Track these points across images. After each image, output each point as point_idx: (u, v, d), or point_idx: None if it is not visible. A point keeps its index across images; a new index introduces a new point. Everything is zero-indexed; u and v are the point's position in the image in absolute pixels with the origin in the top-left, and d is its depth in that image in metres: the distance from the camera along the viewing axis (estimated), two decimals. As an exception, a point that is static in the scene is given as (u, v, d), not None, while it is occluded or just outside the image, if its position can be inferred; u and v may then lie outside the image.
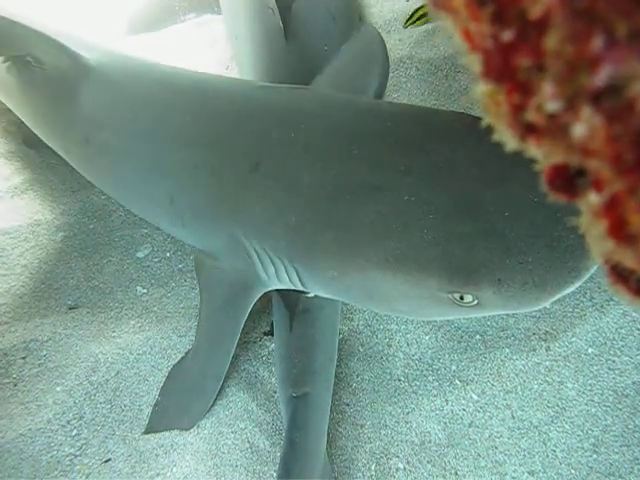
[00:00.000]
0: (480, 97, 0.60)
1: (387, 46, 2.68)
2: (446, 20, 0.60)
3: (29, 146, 2.85)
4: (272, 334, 2.27)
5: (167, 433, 2.11)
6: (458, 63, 2.80)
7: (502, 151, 1.67)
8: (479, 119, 1.70)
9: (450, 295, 1.53)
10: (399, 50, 2.94)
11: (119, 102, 2.19)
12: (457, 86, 2.78)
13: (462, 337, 2.23)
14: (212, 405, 2.16)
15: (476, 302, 1.52)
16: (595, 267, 1.45)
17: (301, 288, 1.90)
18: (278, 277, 1.89)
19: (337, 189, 1.66)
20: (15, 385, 2.18)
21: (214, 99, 2.01)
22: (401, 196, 1.57)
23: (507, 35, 0.52)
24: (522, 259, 1.45)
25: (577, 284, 1.46)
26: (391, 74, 2.86)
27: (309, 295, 2.02)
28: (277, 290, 2.11)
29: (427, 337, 2.25)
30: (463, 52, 0.64)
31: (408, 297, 1.63)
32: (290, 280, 1.87)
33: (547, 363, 2.12)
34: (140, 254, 2.57)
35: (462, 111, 2.66)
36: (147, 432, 2.11)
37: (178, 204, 2.03)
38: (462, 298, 1.52)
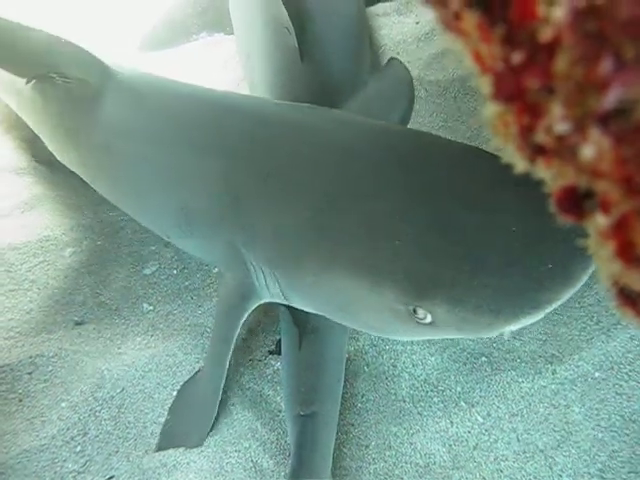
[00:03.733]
0: (489, 118, 0.61)
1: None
2: (456, 42, 0.61)
3: (40, 162, 2.87)
4: (278, 353, 2.27)
5: (171, 451, 2.10)
6: (467, 85, 2.82)
7: (491, 179, 1.69)
8: (483, 152, 1.74)
9: (406, 308, 1.53)
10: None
11: (141, 113, 2.23)
12: (465, 108, 2.79)
13: (468, 359, 2.22)
14: (216, 423, 2.15)
15: (430, 319, 1.52)
16: (557, 304, 1.45)
17: (284, 301, 1.94)
18: (267, 286, 1.93)
19: (316, 200, 1.71)
20: (20, 400, 2.18)
21: (230, 114, 2.05)
22: (377, 209, 1.61)
23: (517, 57, 0.53)
24: (482, 282, 1.45)
25: (536, 316, 1.45)
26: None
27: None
28: (285, 308, 2.11)
29: (433, 358, 2.24)
30: (473, 74, 0.64)
31: (370, 309, 1.66)
32: (274, 290, 1.91)
33: (553, 386, 2.11)
34: (147, 271, 2.57)
35: (470, 131, 2.69)
36: (157, 450, 2.11)
37: (188, 213, 2.06)
38: (416, 312, 1.52)
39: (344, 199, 1.67)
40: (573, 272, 1.45)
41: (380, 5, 3.22)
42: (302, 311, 2.02)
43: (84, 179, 2.55)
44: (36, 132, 2.69)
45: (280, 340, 2.24)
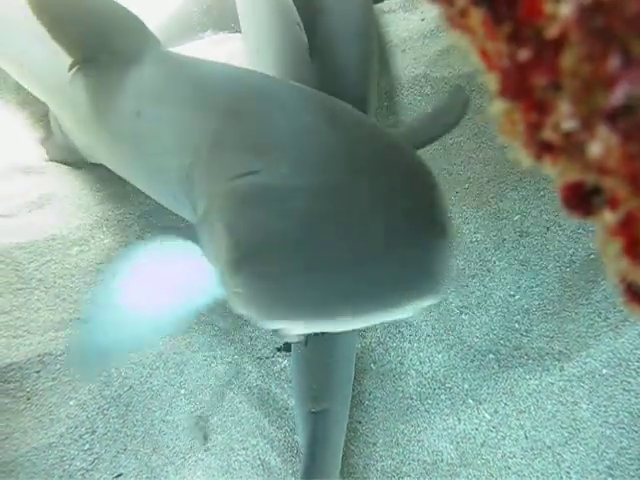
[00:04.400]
0: (496, 116, 0.61)
1: (402, 65, 2.70)
2: (462, 39, 0.61)
3: (50, 161, 2.87)
4: (286, 350, 2.27)
5: (178, 449, 2.11)
6: (473, 82, 2.81)
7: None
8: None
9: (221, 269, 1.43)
10: (414, 69, 2.94)
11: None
12: (472, 105, 2.78)
13: (475, 356, 2.22)
14: (224, 421, 2.15)
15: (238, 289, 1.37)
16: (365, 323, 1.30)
17: None
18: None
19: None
20: (29, 399, 2.19)
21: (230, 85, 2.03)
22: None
23: (524, 54, 0.53)
24: (284, 270, 1.30)
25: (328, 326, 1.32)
26: (406, 92, 2.87)
27: None
28: None
29: (440, 355, 2.24)
30: (479, 71, 0.64)
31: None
32: None
33: (561, 383, 2.11)
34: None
35: (477, 128, 2.68)
36: None
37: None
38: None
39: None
40: (390, 295, 1.27)
41: (386, 2, 3.21)
42: None
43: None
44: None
45: None
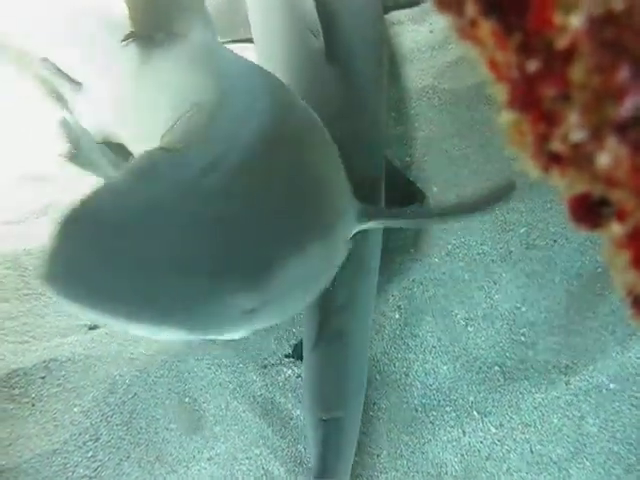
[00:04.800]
0: (505, 126, 0.61)
1: (410, 76, 2.70)
2: (472, 50, 0.61)
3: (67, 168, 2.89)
4: (297, 357, 2.26)
5: (182, 457, 2.11)
6: (481, 94, 2.81)
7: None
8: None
9: None
10: (421, 80, 2.95)
11: None
12: (479, 117, 2.79)
13: (480, 368, 2.21)
14: (227, 430, 2.15)
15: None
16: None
17: None
18: None
19: None
20: (33, 405, 2.19)
21: None
22: None
23: (533, 65, 0.53)
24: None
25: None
26: (414, 103, 2.87)
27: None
28: (308, 310, 2.09)
29: (445, 367, 2.23)
30: (488, 82, 0.64)
31: None
32: None
33: (567, 397, 2.09)
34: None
35: (484, 140, 2.68)
36: None
37: None
38: None
39: None
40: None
41: (394, 13, 3.23)
42: (326, 314, 2.02)
43: None
44: None
45: (298, 344, 2.24)
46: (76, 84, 2.92)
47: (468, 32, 0.57)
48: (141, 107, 2.27)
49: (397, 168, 2.56)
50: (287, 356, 2.30)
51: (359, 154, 2.26)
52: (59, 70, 2.99)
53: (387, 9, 3.19)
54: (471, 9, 0.54)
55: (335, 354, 2.05)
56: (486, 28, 0.55)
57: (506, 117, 0.59)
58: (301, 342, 2.20)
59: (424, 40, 3.12)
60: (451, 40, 3.06)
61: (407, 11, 3.24)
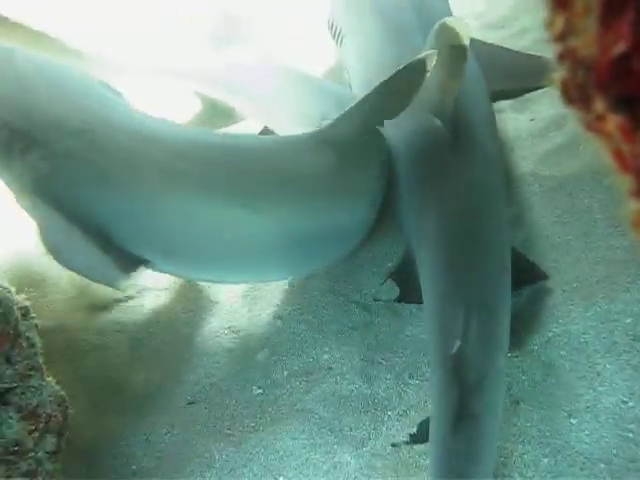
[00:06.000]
0: (630, 215, 0.62)
1: (511, 162, 2.73)
2: (596, 141, 0.63)
3: None
4: (421, 441, 2.22)
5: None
6: (581, 182, 2.80)
7: None
8: None
9: None
10: (523, 166, 2.97)
11: None
12: (580, 204, 2.76)
13: (584, 463, 2.11)
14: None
15: None
16: None
17: None
18: None
19: None
20: (134, 475, 2.24)
21: None
22: None
23: (662, 157, 0.55)
24: None
25: None
26: (514, 190, 2.88)
27: None
28: (436, 389, 2.08)
29: (545, 460, 2.15)
30: (610, 171, 0.66)
31: None
32: None
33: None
34: (259, 356, 2.64)
35: (586, 228, 2.64)
36: None
37: None
38: None
39: None
40: None
41: (495, 103, 3.28)
42: (459, 394, 1.99)
43: None
44: None
45: (424, 423, 2.21)
46: None
47: (595, 125, 0.60)
48: None
49: (517, 249, 2.55)
50: (412, 436, 2.25)
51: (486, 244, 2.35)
52: None
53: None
54: (600, 105, 0.57)
55: (466, 438, 1.98)
56: (614, 122, 0.58)
57: (631, 206, 0.61)
58: (426, 422, 2.15)
59: (525, 128, 3.15)
60: (552, 128, 3.08)
61: (508, 100, 3.28)
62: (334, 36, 3.42)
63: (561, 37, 0.61)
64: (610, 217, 2.60)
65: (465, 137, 2.54)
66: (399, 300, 2.64)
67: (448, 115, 2.47)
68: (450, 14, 3.13)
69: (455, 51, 2.28)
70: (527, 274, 2.52)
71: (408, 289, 2.52)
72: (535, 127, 3.12)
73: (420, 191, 2.59)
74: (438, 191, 2.48)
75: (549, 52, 0.68)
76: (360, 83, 3.01)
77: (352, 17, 3.26)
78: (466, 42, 2.24)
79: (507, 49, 3.40)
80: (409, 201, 2.65)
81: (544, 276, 2.55)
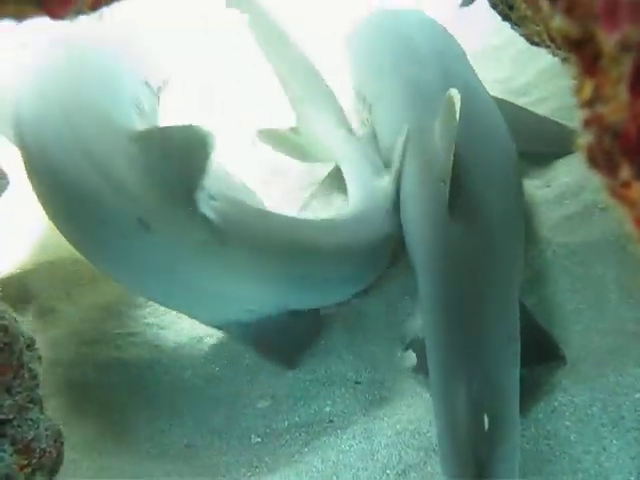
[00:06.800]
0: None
1: (525, 228, 2.73)
2: (620, 208, 0.63)
3: None
4: None
5: None
6: (595, 250, 2.79)
7: None
8: None
9: None
10: (537, 232, 2.98)
11: None
12: (593, 273, 2.76)
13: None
14: None
15: None
16: None
17: None
18: None
19: None
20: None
21: None
22: None
23: (687, 228, 0.55)
24: None
25: None
26: (528, 255, 2.87)
27: None
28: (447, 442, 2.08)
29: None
30: (632, 239, 0.66)
31: None
32: None
33: None
34: (260, 405, 2.61)
35: (598, 296, 2.62)
36: None
37: None
38: None
39: None
40: None
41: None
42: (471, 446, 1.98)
43: None
44: None
45: None
46: None
47: (620, 191, 0.60)
48: None
49: (537, 322, 2.52)
50: None
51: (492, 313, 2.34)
52: None
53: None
54: (626, 171, 0.57)
55: None
56: (638, 189, 0.58)
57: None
58: None
59: (540, 194, 3.17)
60: (567, 196, 3.09)
61: (524, 164, 3.29)
62: (362, 103, 3.52)
63: (589, 103, 0.62)
64: (623, 288, 2.58)
65: (469, 201, 2.55)
66: (415, 370, 2.60)
67: (449, 175, 2.49)
68: (476, 80, 3.19)
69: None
70: (544, 352, 2.49)
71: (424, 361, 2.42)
72: (551, 194, 3.14)
73: (423, 255, 2.62)
74: (439, 257, 2.51)
75: (569, 120, 0.69)
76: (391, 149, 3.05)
77: (381, 87, 3.34)
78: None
79: (533, 113, 3.45)
80: (416, 268, 2.67)
81: (561, 357, 2.49)
